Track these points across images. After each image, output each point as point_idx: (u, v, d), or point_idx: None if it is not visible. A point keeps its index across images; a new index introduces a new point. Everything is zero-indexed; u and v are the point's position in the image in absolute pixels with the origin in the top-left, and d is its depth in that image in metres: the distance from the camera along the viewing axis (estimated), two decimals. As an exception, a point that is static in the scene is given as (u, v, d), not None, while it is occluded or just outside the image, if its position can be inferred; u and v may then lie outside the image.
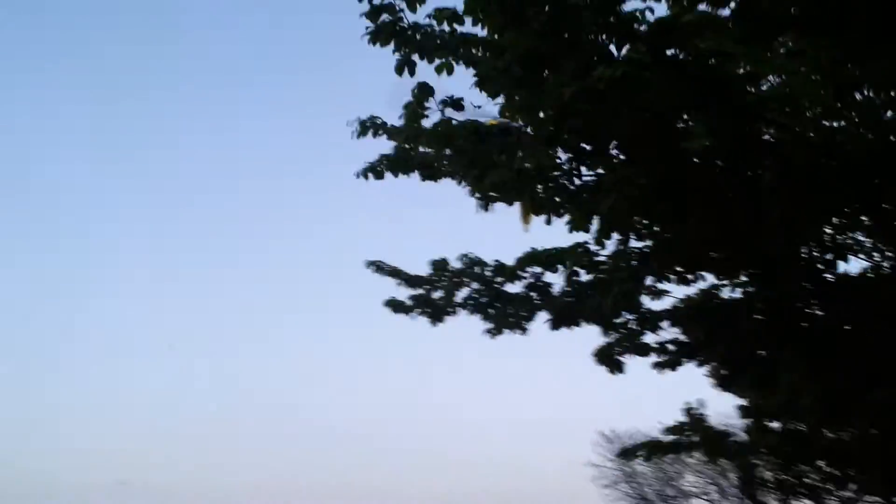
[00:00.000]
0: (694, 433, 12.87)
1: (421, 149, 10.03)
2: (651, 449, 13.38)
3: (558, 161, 8.69)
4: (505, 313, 11.09)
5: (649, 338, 10.75)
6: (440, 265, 11.55)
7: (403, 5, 8.03)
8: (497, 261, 11.22)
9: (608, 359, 10.74)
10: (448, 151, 9.09)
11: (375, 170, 10.22)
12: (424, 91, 8.57)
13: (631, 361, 10.89)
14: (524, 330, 11.20)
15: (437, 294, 11.51)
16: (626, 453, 14.40)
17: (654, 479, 52.95)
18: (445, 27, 8.12)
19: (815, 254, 9.41)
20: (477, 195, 9.15)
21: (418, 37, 8.08)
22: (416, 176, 9.98)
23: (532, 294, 10.91)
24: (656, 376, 11.06)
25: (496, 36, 7.89)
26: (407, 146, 9.87)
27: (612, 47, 7.75)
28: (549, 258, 10.37)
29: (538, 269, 10.90)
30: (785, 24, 7.85)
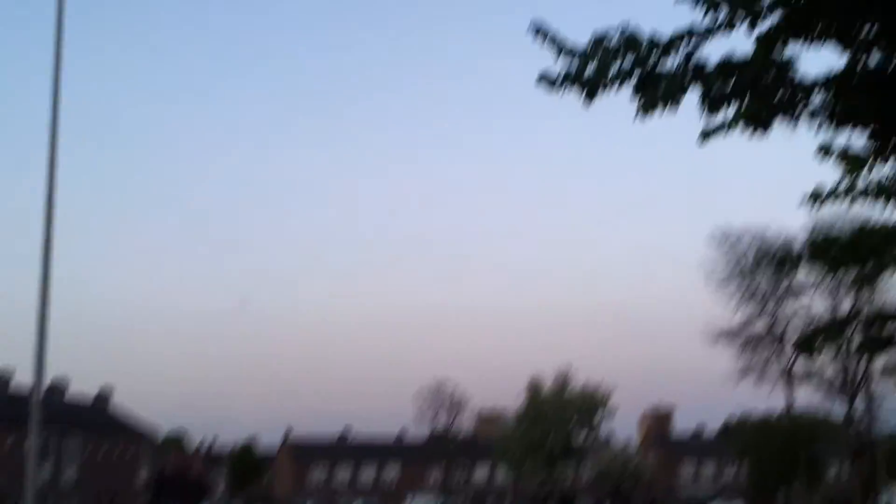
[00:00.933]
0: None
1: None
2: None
3: None
4: (657, 89, 11.43)
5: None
6: (600, 39, 11.79)
7: None
8: (652, 36, 11.45)
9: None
10: None
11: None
12: None
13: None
14: (678, 103, 11.46)
15: (591, 68, 11.88)
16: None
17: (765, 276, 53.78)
18: None
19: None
20: None
21: None
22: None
23: (686, 66, 11.15)
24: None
25: None
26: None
27: None
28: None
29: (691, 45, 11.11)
30: None
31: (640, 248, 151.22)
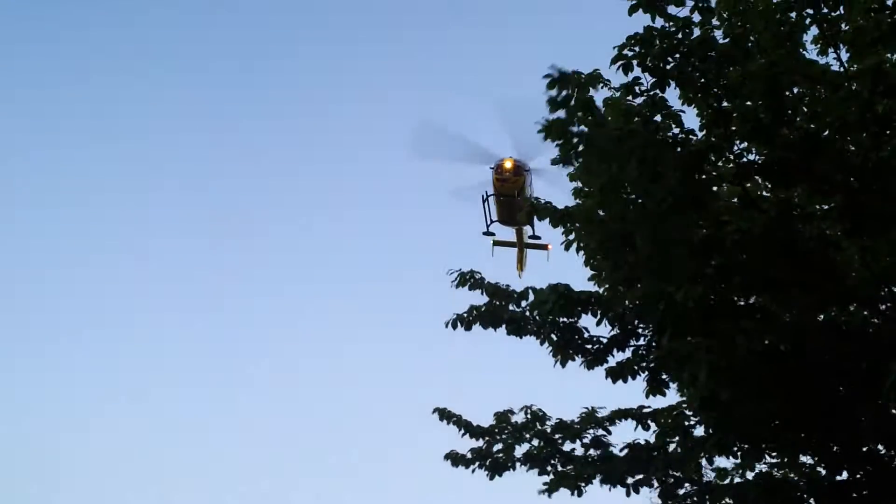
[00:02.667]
0: None
1: (511, 306, 10.67)
2: None
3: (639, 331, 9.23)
4: (564, 472, 11.21)
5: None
6: (503, 417, 11.78)
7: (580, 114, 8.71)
8: (559, 419, 11.45)
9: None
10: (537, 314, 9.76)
11: (465, 319, 10.85)
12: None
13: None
14: (581, 493, 11.22)
15: (497, 447, 11.70)
16: None
17: None
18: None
19: (879, 448, 9.52)
20: (559, 358, 9.76)
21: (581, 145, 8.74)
22: (502, 330, 10.60)
23: (591, 454, 11.07)
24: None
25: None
26: (498, 303, 10.55)
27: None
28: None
29: (600, 431, 11.11)
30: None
31: None
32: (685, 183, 8.30)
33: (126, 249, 39.88)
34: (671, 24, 8.52)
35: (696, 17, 8.86)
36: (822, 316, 9.14)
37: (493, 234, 17.73)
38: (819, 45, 9.72)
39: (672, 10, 8.65)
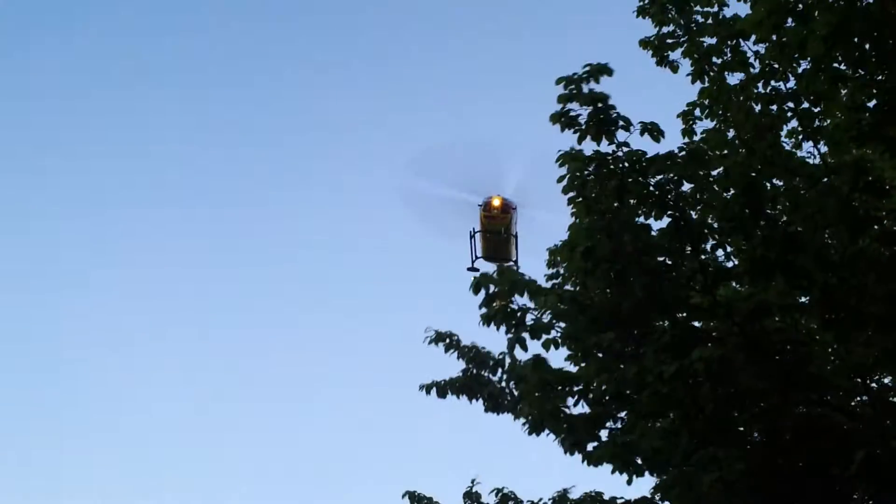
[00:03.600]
0: None
1: (487, 375, 10.78)
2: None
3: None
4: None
5: None
6: (474, 497, 11.76)
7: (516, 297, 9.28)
8: (531, 502, 11.47)
9: None
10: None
11: (441, 388, 10.97)
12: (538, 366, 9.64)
13: None
14: None
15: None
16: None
17: None
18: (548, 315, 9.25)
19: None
20: (532, 433, 9.88)
21: (527, 319, 9.26)
22: (478, 404, 10.70)
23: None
24: None
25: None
26: (474, 371, 10.67)
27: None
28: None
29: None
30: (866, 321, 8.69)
31: None
32: (652, 294, 8.51)
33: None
34: (621, 149, 8.68)
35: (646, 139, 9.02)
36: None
37: (477, 270, 18.07)
38: (794, 139, 9.99)
39: (621, 135, 8.72)
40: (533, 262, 16.36)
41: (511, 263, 18.36)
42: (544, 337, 9.14)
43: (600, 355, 9.40)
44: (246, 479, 31.64)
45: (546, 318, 9.33)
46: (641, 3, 10.86)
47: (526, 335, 9.34)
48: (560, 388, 9.90)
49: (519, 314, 9.25)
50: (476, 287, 9.42)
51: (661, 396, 8.69)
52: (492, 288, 9.46)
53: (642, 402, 8.91)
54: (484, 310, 9.43)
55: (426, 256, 33.34)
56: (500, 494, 11.01)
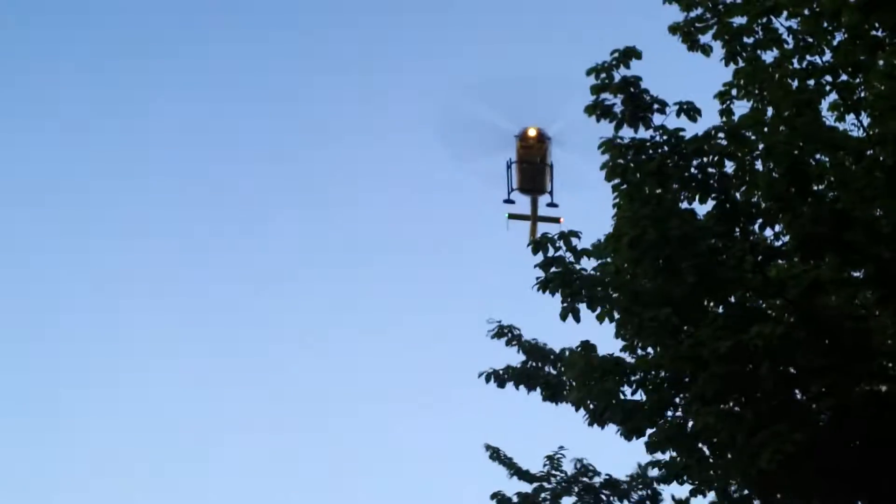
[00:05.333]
0: None
1: (547, 368, 10.87)
2: None
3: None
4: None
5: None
6: (555, 463, 11.94)
7: (571, 257, 9.25)
8: (608, 475, 11.65)
9: None
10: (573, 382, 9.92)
11: (500, 377, 11.10)
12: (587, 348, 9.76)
13: None
14: None
15: (544, 495, 11.96)
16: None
17: None
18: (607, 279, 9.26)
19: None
20: (596, 425, 9.93)
21: (583, 289, 9.25)
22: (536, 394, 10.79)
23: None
24: None
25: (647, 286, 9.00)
26: (534, 364, 10.75)
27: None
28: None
29: (646, 492, 11.31)
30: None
31: None
32: (703, 278, 8.52)
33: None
34: (659, 132, 8.68)
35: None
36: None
37: (513, 202, 18.26)
38: (837, 112, 9.90)
39: (657, 119, 8.72)
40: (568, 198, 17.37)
41: (546, 195, 18.66)
42: (599, 309, 9.17)
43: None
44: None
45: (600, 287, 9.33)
46: (668, -10, 10.79)
47: (581, 305, 9.31)
48: (613, 375, 9.92)
49: (577, 281, 9.23)
50: (535, 247, 9.37)
51: (718, 378, 8.70)
52: (551, 250, 9.41)
53: (700, 384, 8.93)
54: (541, 273, 9.35)
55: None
56: (580, 464, 11.23)
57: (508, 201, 18.08)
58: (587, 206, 15.65)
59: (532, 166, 17.78)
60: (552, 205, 18.39)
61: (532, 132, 17.56)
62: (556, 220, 18.07)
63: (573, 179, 18.04)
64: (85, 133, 37.44)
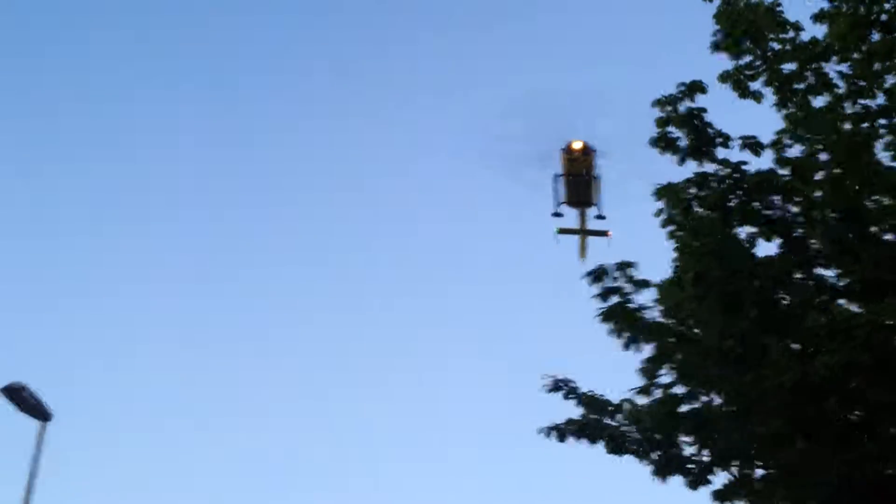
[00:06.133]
0: None
1: (606, 420, 10.76)
2: None
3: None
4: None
5: None
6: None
7: (630, 288, 9.27)
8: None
9: None
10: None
11: (560, 431, 10.99)
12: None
13: None
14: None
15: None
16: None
17: None
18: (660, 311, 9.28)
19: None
20: (659, 477, 9.82)
21: (644, 320, 9.36)
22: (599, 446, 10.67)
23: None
24: None
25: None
26: (594, 416, 10.66)
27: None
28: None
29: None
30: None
31: None
32: (765, 315, 8.46)
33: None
34: (722, 167, 8.73)
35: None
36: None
37: (561, 216, 18.10)
38: (893, 152, 9.82)
39: (721, 152, 8.78)
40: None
41: (593, 207, 18.54)
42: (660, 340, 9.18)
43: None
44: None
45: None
46: (715, 39, 10.89)
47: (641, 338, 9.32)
48: (679, 426, 9.83)
49: (638, 313, 9.25)
50: (593, 278, 9.40)
51: (784, 409, 8.55)
52: (609, 281, 9.48)
53: (766, 418, 8.79)
54: (601, 303, 9.53)
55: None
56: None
57: (557, 215, 17.96)
58: (631, 217, 15.50)
59: (578, 179, 17.64)
60: (600, 216, 18.18)
61: (577, 144, 17.46)
62: (605, 234, 18.05)
63: (617, 191, 18.00)
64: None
